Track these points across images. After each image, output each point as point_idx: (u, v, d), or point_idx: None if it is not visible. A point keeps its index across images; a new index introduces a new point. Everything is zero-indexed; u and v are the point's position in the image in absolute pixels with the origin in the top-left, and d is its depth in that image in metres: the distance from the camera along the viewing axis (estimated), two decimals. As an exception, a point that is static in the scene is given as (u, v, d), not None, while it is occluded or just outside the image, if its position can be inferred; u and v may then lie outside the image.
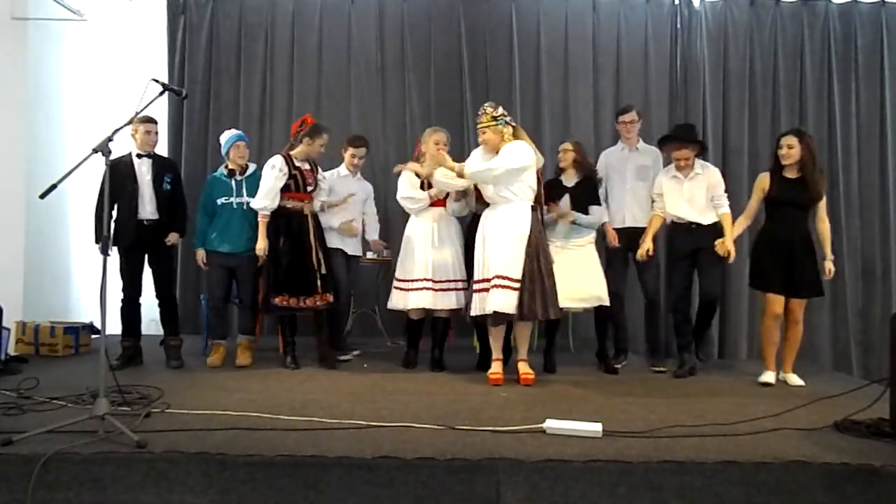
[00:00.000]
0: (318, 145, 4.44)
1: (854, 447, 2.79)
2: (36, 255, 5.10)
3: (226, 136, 4.65)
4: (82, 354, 4.86)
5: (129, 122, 3.07)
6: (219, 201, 4.52)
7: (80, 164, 3.31)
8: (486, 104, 4.17)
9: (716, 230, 4.42)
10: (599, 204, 4.57)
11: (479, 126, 4.15)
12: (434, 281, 4.32)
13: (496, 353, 4.14)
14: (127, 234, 4.31)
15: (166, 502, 2.50)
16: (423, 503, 2.51)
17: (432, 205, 4.43)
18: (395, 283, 4.46)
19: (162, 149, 5.38)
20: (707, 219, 4.45)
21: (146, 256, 4.44)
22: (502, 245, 3.95)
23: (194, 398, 3.47)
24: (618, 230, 4.64)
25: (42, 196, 3.76)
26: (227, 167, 4.60)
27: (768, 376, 4.21)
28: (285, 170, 4.33)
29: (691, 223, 4.46)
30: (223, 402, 3.39)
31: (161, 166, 4.44)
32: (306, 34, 5.96)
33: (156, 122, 4.46)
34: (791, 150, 4.18)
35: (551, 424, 2.95)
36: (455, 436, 2.87)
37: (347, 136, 5.09)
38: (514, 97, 5.89)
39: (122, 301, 4.44)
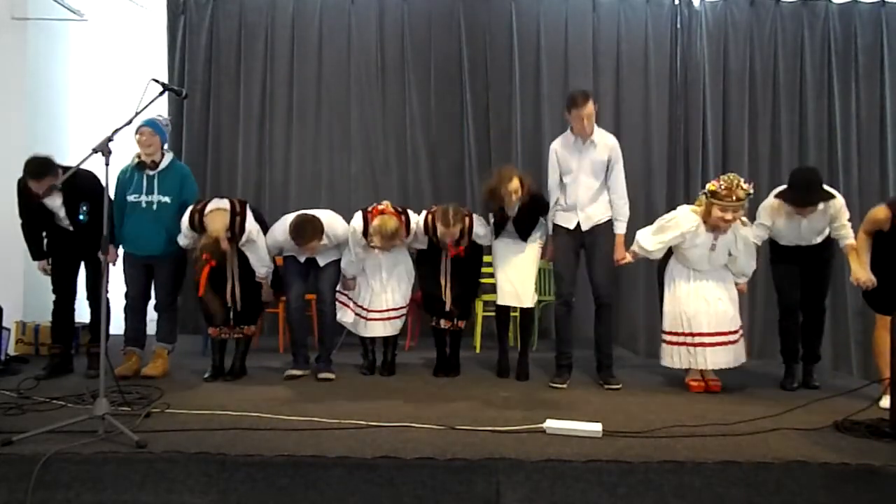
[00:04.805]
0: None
1: (854, 447, 2.79)
2: (36, 256, 5.10)
3: None
4: (82, 354, 4.86)
5: (129, 123, 3.06)
6: (129, 198, 4.03)
7: (79, 165, 3.32)
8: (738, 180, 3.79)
9: (826, 246, 4.06)
10: (545, 214, 4.24)
11: (731, 206, 3.76)
12: (379, 311, 4.24)
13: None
14: (52, 244, 4.13)
15: (166, 502, 2.50)
16: (423, 503, 2.51)
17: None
18: (343, 299, 4.29)
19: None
20: (818, 241, 4.05)
21: (80, 258, 4.15)
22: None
23: (194, 398, 3.48)
24: (571, 231, 4.11)
25: (42, 196, 3.78)
26: (137, 157, 4.06)
27: (889, 402, 3.26)
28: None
29: (800, 245, 4.08)
30: (223, 402, 3.39)
31: (74, 197, 3.92)
32: (306, 34, 5.95)
33: (44, 176, 3.80)
34: None
35: (551, 424, 2.96)
36: (455, 436, 2.87)
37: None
38: (514, 97, 5.89)
39: (54, 303, 4.16)
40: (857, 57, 5.84)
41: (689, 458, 2.61)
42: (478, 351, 5.14)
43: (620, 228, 4.11)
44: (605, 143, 4.07)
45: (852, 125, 5.83)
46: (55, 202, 4.00)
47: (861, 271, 3.76)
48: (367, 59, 5.95)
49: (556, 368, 4.13)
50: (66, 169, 3.90)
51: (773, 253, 4.24)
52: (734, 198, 3.74)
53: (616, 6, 5.91)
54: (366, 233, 4.10)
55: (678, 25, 5.88)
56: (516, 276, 4.21)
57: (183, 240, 4.05)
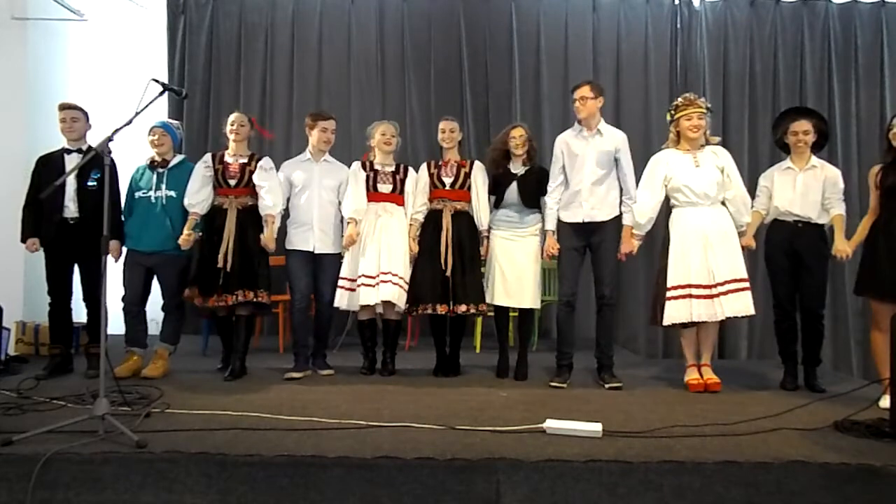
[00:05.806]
0: (227, 132, 4.23)
1: (854, 447, 2.79)
2: (36, 256, 5.10)
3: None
4: (82, 355, 4.86)
5: (129, 123, 3.06)
6: (137, 194, 4.14)
7: (80, 164, 3.32)
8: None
9: (823, 234, 4.03)
10: (545, 193, 4.19)
11: (695, 112, 3.99)
12: (369, 276, 4.08)
13: (693, 359, 4.07)
14: (47, 232, 4.06)
15: (166, 502, 2.50)
16: (423, 503, 2.51)
17: (373, 199, 4.24)
18: (339, 282, 4.18)
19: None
20: (815, 218, 4.01)
21: (74, 259, 4.11)
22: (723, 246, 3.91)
23: (194, 398, 3.47)
24: (573, 224, 4.08)
25: (43, 196, 3.77)
26: (150, 158, 4.21)
27: (888, 401, 3.14)
28: (209, 163, 4.14)
29: (797, 221, 4.03)
30: (223, 402, 3.39)
31: (89, 161, 3.62)
32: (306, 34, 5.96)
33: (74, 108, 4.10)
34: None
35: (551, 424, 2.95)
36: (455, 436, 2.87)
37: (313, 112, 4.57)
38: (514, 97, 5.90)
39: (49, 305, 4.15)
40: (857, 57, 5.86)
41: (689, 458, 2.60)
42: (478, 351, 5.14)
43: (628, 220, 4.09)
44: (613, 135, 4.15)
45: (852, 125, 5.84)
46: (71, 164, 4.00)
47: (843, 243, 3.90)
48: (367, 59, 5.96)
49: (556, 368, 4.12)
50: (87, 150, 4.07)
51: (768, 244, 4.18)
52: (693, 102, 4.03)
53: (616, 6, 5.92)
54: (364, 166, 4.31)
55: (678, 25, 5.89)
56: (513, 275, 4.17)
57: (185, 197, 4.06)
